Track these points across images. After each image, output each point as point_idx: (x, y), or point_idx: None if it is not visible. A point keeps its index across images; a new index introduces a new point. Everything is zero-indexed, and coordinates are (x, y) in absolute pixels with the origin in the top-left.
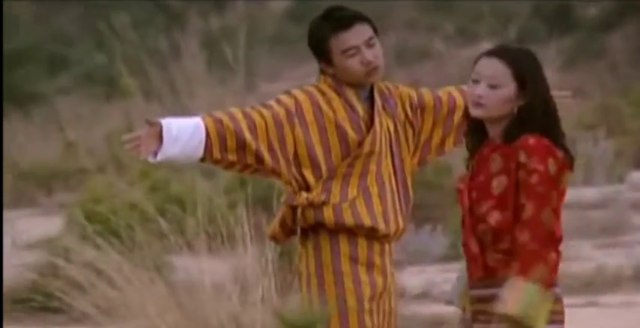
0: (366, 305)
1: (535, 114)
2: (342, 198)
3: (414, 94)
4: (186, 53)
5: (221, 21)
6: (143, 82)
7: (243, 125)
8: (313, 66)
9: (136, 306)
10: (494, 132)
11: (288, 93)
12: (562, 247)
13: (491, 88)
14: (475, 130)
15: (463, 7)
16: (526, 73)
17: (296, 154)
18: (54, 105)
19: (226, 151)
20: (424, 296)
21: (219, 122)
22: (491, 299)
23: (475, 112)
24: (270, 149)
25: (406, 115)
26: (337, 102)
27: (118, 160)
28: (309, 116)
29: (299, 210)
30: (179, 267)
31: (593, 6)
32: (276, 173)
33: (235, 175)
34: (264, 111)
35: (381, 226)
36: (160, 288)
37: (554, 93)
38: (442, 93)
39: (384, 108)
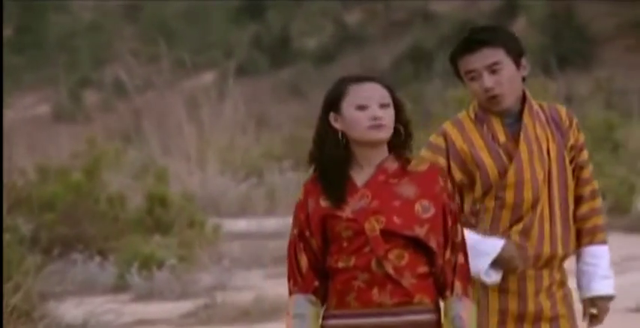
0: None
1: (408, 131)
2: (492, 232)
3: (582, 156)
4: None
5: None
6: None
7: None
8: (37, 94)
9: None
10: (372, 158)
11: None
12: (234, 277)
13: (383, 108)
14: (339, 160)
15: (184, 37)
16: (388, 86)
17: None
18: None
19: None
20: (83, 327)
21: None
22: (406, 325)
23: (381, 135)
24: None
25: (571, 156)
26: (475, 134)
27: None
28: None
29: None
30: None
31: (312, 38)
32: None
33: None
34: None
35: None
36: None
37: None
38: (587, 195)
39: (551, 131)
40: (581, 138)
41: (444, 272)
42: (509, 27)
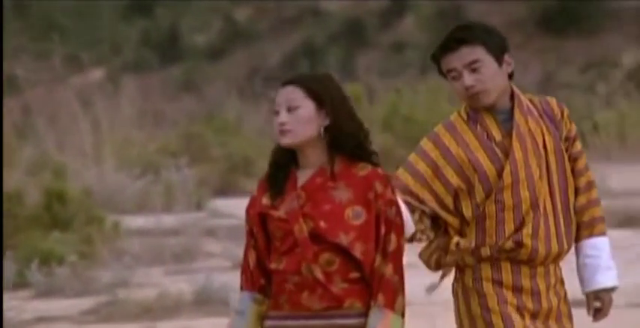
0: (517, 325)
1: (345, 133)
2: (500, 236)
3: (575, 147)
4: None
5: None
6: None
7: None
8: None
9: None
10: (311, 159)
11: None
12: (135, 274)
13: (291, 112)
14: (281, 160)
15: (73, 33)
16: (319, 90)
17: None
18: None
19: None
20: None
21: None
22: None
23: (284, 141)
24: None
25: (565, 148)
26: (469, 135)
27: None
28: (447, 165)
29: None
30: None
31: (201, 34)
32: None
33: None
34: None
35: (524, 251)
36: None
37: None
38: (582, 186)
39: (546, 124)
40: (574, 129)
41: (371, 282)
42: (396, 26)
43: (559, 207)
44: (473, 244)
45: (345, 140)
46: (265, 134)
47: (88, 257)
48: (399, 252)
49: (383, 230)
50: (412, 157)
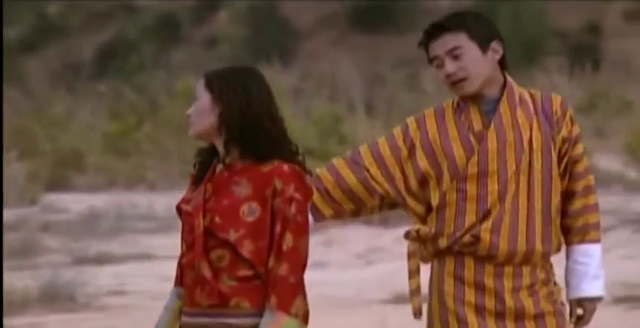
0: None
1: (235, 124)
2: (458, 226)
3: (576, 149)
4: None
5: None
6: None
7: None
8: None
9: None
10: (221, 151)
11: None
12: None
13: (195, 103)
14: (203, 155)
15: None
16: (215, 80)
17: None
18: None
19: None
20: None
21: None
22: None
23: (189, 133)
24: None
25: (560, 149)
26: (452, 123)
27: None
28: (420, 148)
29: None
30: None
31: (13, 28)
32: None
33: None
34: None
35: (482, 246)
36: None
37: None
38: (580, 190)
39: (538, 121)
40: (575, 130)
41: (266, 282)
42: (210, 21)
43: (537, 206)
44: (432, 231)
45: (235, 130)
46: (94, 128)
47: None
48: (295, 252)
49: (278, 228)
50: (395, 130)
